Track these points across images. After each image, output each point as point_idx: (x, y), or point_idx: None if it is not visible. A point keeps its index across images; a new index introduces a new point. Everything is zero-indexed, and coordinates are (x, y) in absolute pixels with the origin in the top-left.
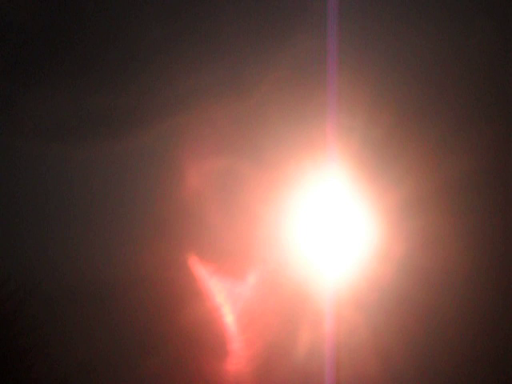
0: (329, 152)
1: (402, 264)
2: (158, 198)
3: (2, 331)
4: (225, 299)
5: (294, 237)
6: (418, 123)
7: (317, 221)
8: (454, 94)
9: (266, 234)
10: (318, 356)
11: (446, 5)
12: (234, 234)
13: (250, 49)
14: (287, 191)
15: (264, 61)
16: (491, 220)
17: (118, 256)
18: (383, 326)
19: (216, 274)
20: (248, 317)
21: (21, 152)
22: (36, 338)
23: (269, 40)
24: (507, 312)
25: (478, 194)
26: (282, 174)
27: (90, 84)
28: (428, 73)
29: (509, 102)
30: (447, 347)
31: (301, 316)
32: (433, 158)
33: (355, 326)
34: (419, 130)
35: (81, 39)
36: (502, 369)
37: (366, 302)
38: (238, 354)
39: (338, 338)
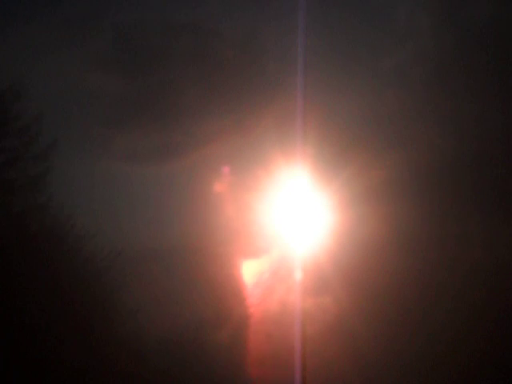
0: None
1: (360, 243)
2: (192, 199)
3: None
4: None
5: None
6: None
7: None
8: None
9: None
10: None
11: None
12: (243, 222)
13: (246, 100)
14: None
15: (255, 110)
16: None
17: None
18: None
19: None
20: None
21: (114, 170)
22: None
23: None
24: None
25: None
26: (269, 177)
27: (156, 126)
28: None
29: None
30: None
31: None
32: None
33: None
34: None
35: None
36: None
37: (330, 275)
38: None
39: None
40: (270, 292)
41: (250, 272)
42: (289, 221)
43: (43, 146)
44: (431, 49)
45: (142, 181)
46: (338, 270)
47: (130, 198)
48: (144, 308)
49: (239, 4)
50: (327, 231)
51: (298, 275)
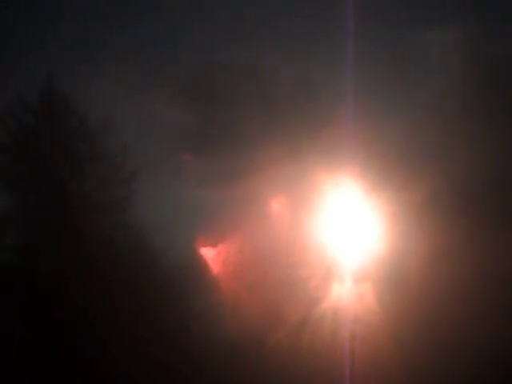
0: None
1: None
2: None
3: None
4: None
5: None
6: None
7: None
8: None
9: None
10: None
11: None
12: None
13: (300, 130)
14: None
15: (309, 139)
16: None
17: None
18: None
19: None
20: None
21: (187, 193)
22: None
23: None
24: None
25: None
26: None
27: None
28: None
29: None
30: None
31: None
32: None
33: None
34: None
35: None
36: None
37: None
38: None
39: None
40: (323, 297)
41: (306, 280)
42: (341, 234)
43: (128, 172)
44: (460, 83)
45: (211, 202)
46: (384, 277)
47: (200, 217)
48: (210, 311)
49: (293, 45)
50: (375, 243)
51: (349, 283)
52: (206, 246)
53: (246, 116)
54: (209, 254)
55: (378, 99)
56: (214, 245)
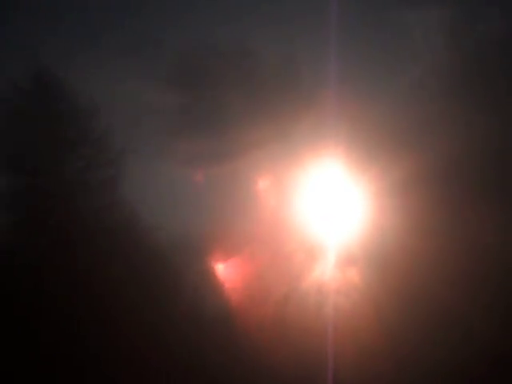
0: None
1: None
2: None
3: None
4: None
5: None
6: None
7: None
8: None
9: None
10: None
11: None
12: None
13: (284, 111)
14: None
15: (293, 119)
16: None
17: None
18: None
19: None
20: None
21: (174, 173)
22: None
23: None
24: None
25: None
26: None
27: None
28: None
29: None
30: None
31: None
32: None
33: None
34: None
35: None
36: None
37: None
38: None
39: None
40: (308, 273)
41: (291, 254)
42: (326, 212)
43: (114, 153)
44: (444, 64)
45: (196, 182)
46: (368, 254)
47: (187, 196)
48: (201, 285)
49: (277, 29)
50: (358, 218)
51: (333, 259)
52: (196, 224)
53: (231, 99)
54: (198, 232)
55: (362, 80)
56: (203, 223)
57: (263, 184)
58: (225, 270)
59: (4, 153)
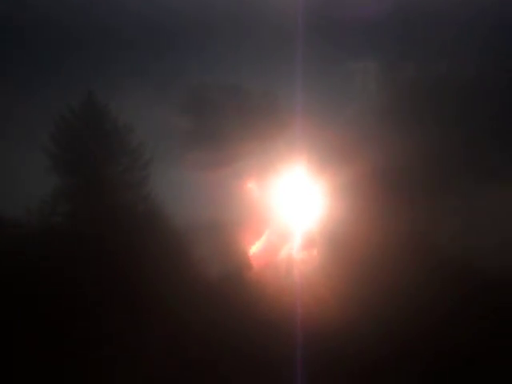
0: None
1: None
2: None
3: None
4: None
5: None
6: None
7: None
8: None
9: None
10: None
11: None
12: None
13: (264, 132)
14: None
15: (271, 137)
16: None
17: None
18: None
19: None
20: None
21: (186, 175)
22: None
23: None
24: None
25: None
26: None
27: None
28: None
29: None
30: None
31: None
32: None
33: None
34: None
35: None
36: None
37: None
38: None
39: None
40: (275, 253)
41: (268, 235)
42: (293, 204)
43: (145, 160)
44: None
45: (203, 181)
46: (325, 236)
47: (196, 191)
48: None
49: (260, 70)
50: (319, 210)
51: (298, 238)
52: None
53: (228, 123)
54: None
55: (321, 108)
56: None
57: (249, 183)
58: (222, 246)
59: (64, 159)
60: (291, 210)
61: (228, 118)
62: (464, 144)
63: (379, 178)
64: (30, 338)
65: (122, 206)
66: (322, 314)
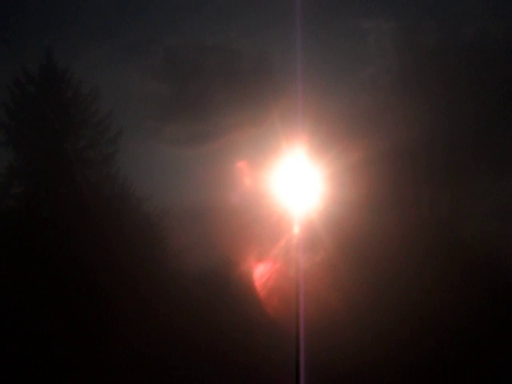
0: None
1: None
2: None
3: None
4: None
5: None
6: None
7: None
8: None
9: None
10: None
11: None
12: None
13: (258, 101)
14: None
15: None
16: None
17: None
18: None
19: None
20: None
21: (162, 151)
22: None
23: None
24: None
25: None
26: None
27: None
28: None
29: None
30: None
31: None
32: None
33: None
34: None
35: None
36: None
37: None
38: None
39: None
40: (278, 241)
41: (263, 221)
42: (290, 189)
43: (113, 133)
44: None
45: (182, 159)
46: (327, 227)
47: (174, 171)
48: (185, 251)
49: (253, 28)
50: (319, 193)
51: (296, 231)
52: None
53: (212, 89)
54: (182, 203)
55: (323, 77)
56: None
57: (238, 163)
58: (205, 236)
59: (18, 132)
60: (288, 195)
61: (212, 83)
62: (493, 119)
63: (394, 159)
64: None
65: (85, 187)
66: (326, 317)
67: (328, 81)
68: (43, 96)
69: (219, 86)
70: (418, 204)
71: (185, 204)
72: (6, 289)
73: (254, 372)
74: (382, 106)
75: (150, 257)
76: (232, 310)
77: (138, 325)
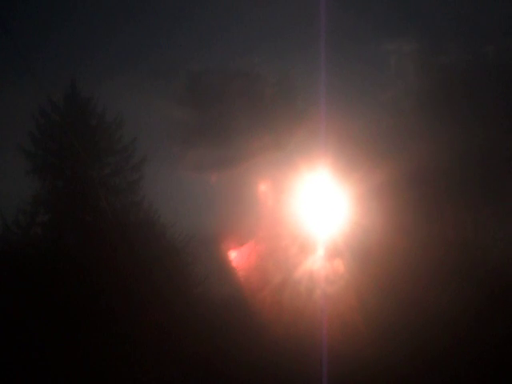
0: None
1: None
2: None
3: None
4: None
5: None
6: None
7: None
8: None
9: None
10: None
11: None
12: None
13: (281, 124)
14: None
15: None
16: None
17: None
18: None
19: None
20: None
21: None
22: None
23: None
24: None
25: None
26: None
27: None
28: None
29: None
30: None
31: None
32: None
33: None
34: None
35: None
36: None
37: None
38: None
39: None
40: (301, 264)
41: (286, 247)
42: (315, 209)
43: (137, 160)
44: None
45: (206, 185)
46: (352, 248)
47: (198, 197)
48: (210, 276)
49: (275, 53)
50: (344, 217)
51: (322, 252)
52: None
53: (235, 113)
54: (206, 228)
55: (346, 99)
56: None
57: (262, 187)
58: (229, 261)
59: (44, 160)
60: (312, 217)
61: (236, 108)
62: None
63: (418, 181)
64: None
65: (110, 214)
66: (350, 341)
67: (350, 103)
68: (68, 124)
69: (242, 110)
70: (443, 226)
71: (210, 229)
72: (33, 315)
73: None
74: (404, 128)
75: (175, 283)
76: (256, 335)
77: (162, 347)
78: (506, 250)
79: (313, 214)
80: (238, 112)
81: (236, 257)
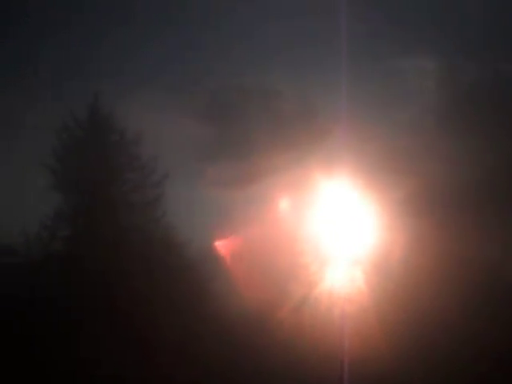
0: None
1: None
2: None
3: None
4: None
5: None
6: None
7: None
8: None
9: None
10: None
11: None
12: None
13: (301, 140)
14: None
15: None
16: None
17: None
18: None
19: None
20: None
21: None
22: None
23: None
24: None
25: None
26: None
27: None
28: None
29: None
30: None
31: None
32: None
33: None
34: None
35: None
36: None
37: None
38: None
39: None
40: (320, 281)
41: (307, 264)
42: (336, 227)
43: (158, 177)
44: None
45: (227, 201)
46: (373, 265)
47: (218, 213)
48: (227, 292)
49: (295, 70)
50: (366, 234)
51: (342, 269)
52: (222, 238)
53: (255, 130)
54: (224, 245)
55: (367, 116)
56: (228, 237)
57: (283, 203)
58: (248, 278)
59: (65, 176)
60: (334, 234)
61: (256, 125)
62: None
63: (439, 199)
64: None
65: (131, 230)
66: (372, 364)
67: (371, 120)
68: (90, 140)
69: (262, 127)
70: (466, 244)
71: (227, 246)
72: (54, 330)
73: None
74: (424, 146)
75: (193, 298)
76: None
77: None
78: None
79: (334, 231)
80: (259, 128)
81: (255, 273)
